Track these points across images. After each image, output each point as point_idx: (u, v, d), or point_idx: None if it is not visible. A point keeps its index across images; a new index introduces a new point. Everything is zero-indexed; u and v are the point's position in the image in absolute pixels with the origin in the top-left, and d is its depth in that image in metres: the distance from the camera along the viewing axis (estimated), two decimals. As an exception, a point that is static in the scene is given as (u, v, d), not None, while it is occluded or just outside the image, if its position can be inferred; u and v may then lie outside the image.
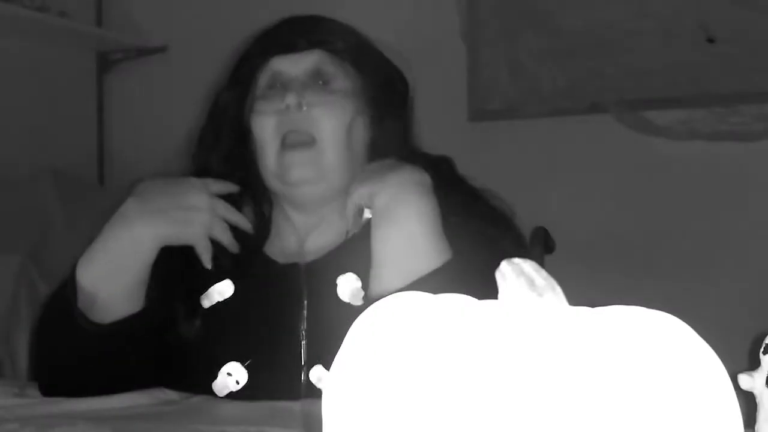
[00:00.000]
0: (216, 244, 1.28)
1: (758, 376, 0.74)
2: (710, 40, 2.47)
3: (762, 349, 0.75)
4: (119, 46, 3.17)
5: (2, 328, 2.09)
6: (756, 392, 0.74)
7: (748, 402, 0.73)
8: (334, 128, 1.26)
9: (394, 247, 1.14)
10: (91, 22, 3.14)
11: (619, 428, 0.41)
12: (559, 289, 0.48)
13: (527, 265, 0.49)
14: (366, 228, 1.22)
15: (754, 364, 0.75)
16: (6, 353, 2.09)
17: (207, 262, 1.24)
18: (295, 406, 1.08)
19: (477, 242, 1.21)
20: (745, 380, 0.74)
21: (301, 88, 1.26)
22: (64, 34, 2.98)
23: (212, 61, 2.23)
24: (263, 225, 1.34)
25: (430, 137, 2.86)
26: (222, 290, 1.27)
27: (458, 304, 0.47)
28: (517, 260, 0.49)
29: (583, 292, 0.72)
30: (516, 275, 0.48)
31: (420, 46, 2.76)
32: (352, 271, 1.23)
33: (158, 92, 3.14)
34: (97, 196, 2.85)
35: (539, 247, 1.83)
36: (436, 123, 2.78)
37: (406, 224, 1.14)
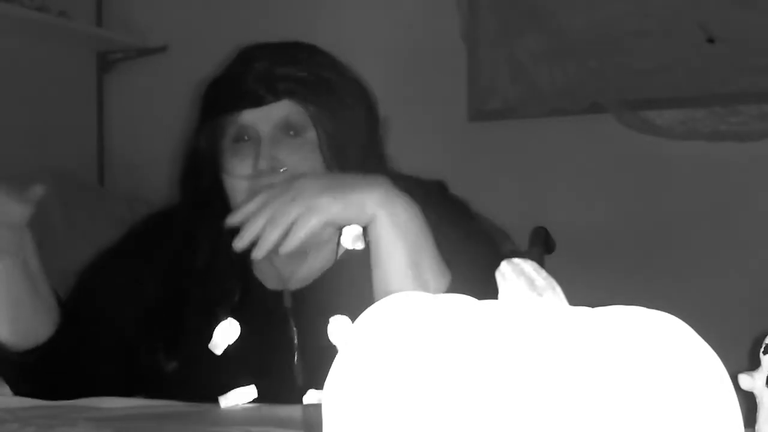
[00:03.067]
0: (220, 277, 1.27)
1: (758, 376, 0.74)
2: (710, 40, 2.47)
3: (762, 349, 0.75)
4: (119, 46, 3.17)
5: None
6: (756, 392, 0.74)
7: (748, 402, 0.73)
8: None
9: (399, 278, 1.11)
10: (91, 22, 3.15)
11: (619, 428, 0.41)
12: (559, 289, 0.48)
13: (527, 265, 0.49)
14: (352, 249, 1.21)
15: (754, 364, 0.75)
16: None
17: None
18: (297, 409, 1.08)
19: (471, 263, 1.19)
20: (746, 380, 0.74)
21: (272, 146, 1.22)
22: (64, 34, 2.98)
23: (212, 61, 2.22)
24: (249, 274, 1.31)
25: (430, 137, 2.87)
26: (226, 333, 1.24)
27: (458, 304, 0.47)
28: (517, 260, 0.49)
29: (583, 292, 0.72)
30: (516, 275, 0.48)
31: (420, 46, 2.77)
32: (341, 294, 1.20)
33: (158, 92, 3.14)
34: (97, 196, 2.85)
35: (539, 247, 1.83)
36: (436, 123, 2.79)
37: (407, 254, 1.11)
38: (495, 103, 2.71)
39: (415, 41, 2.77)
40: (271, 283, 1.30)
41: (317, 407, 0.48)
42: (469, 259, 1.18)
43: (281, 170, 1.21)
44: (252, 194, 1.19)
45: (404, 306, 0.47)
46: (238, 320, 1.24)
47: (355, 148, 1.26)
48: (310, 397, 1.13)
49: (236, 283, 1.28)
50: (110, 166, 3.20)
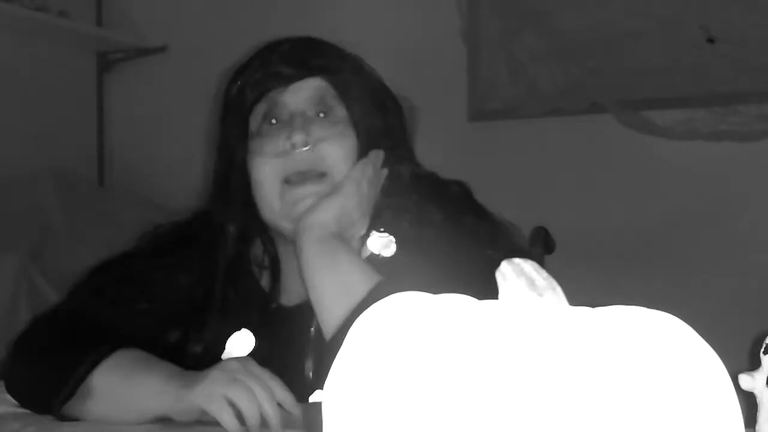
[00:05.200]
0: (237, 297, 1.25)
1: (758, 376, 0.74)
2: (710, 40, 2.47)
3: (762, 349, 0.75)
4: (119, 46, 3.17)
5: (2, 328, 2.09)
6: (756, 392, 0.74)
7: (748, 402, 0.73)
8: (343, 160, 1.20)
9: (328, 291, 1.13)
10: (91, 22, 3.15)
11: (619, 428, 0.41)
12: (559, 289, 0.48)
13: (527, 265, 0.49)
14: (375, 258, 1.21)
15: (754, 364, 0.75)
16: (6, 353, 2.09)
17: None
18: (298, 408, 1.08)
19: (482, 262, 1.19)
20: (746, 380, 0.74)
21: (306, 123, 1.19)
22: (64, 34, 2.98)
23: (212, 61, 2.23)
24: (277, 275, 1.28)
25: (430, 137, 2.86)
26: (241, 343, 1.23)
27: (458, 304, 0.47)
28: (517, 260, 0.49)
29: (583, 292, 0.72)
30: (516, 275, 0.48)
31: (420, 46, 2.77)
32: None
33: (158, 92, 3.14)
34: (97, 196, 2.85)
35: (539, 247, 1.83)
36: (436, 123, 2.79)
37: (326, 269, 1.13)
38: (495, 103, 2.71)
39: (415, 41, 2.77)
40: (285, 300, 1.27)
41: (317, 407, 0.48)
42: (470, 261, 1.18)
43: (308, 147, 1.18)
44: (282, 173, 1.18)
45: (404, 306, 0.47)
46: (259, 328, 1.23)
47: (385, 130, 1.25)
48: (316, 396, 1.13)
49: (261, 293, 1.27)
50: (110, 166, 3.20)
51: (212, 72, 1.58)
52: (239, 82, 1.24)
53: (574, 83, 2.61)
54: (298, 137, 1.17)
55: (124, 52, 3.19)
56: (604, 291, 1.35)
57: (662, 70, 2.52)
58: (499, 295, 0.49)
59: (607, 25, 2.57)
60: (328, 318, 1.12)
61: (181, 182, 2.18)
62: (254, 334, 1.23)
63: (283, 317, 1.25)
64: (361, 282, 1.11)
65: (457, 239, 1.20)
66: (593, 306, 0.48)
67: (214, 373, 1.02)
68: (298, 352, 1.22)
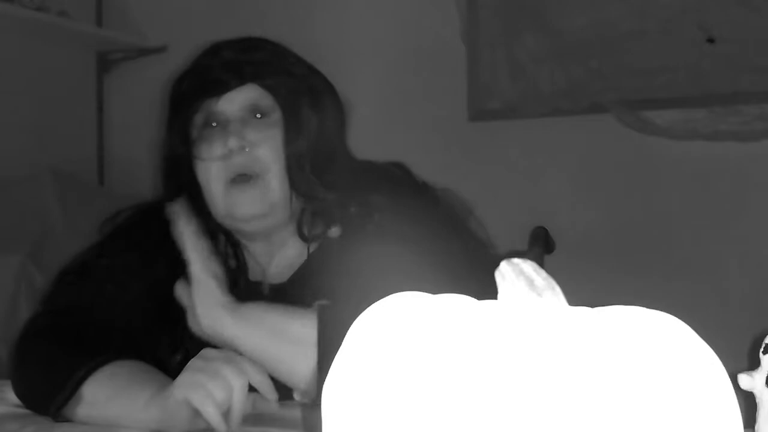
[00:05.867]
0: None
1: (758, 376, 0.74)
2: (710, 40, 2.47)
3: (762, 349, 0.75)
4: (119, 46, 3.17)
5: (2, 328, 2.09)
6: (756, 392, 0.74)
7: (748, 402, 0.73)
8: (276, 162, 1.27)
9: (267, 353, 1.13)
10: (91, 22, 3.15)
11: (619, 428, 0.41)
12: (558, 289, 0.48)
13: (526, 265, 0.49)
14: (328, 243, 1.27)
15: (754, 364, 0.75)
16: (6, 353, 2.09)
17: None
18: (297, 408, 1.08)
19: (428, 244, 1.21)
20: (745, 380, 0.74)
21: (241, 127, 1.26)
22: (64, 34, 2.98)
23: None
24: (240, 257, 1.35)
25: (430, 137, 2.87)
26: None
27: (458, 304, 0.47)
28: (516, 260, 0.49)
29: (583, 292, 0.72)
30: (515, 275, 0.48)
31: (420, 46, 2.77)
32: (316, 288, 1.21)
33: (158, 92, 3.13)
34: (97, 196, 2.85)
35: (539, 247, 1.83)
36: (436, 123, 2.79)
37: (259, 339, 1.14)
38: (495, 103, 2.71)
39: (415, 41, 2.77)
40: (252, 274, 1.34)
41: (318, 408, 0.48)
42: (419, 240, 1.21)
43: (246, 150, 1.25)
44: (225, 176, 1.24)
45: (404, 306, 0.47)
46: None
47: (320, 130, 1.30)
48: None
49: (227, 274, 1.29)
50: (110, 166, 3.20)
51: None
52: (181, 90, 1.31)
53: (574, 83, 2.61)
54: (232, 142, 1.25)
55: (124, 52, 3.19)
56: (604, 291, 1.35)
57: (662, 70, 2.52)
58: (499, 295, 0.49)
59: (607, 25, 2.57)
60: (298, 377, 1.11)
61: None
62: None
63: (257, 291, 1.31)
64: (300, 325, 1.11)
65: (401, 219, 1.24)
66: (593, 306, 0.48)
67: (195, 362, 1.06)
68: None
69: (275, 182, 1.27)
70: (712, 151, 2.47)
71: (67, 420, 1.11)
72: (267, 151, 1.26)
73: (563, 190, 2.62)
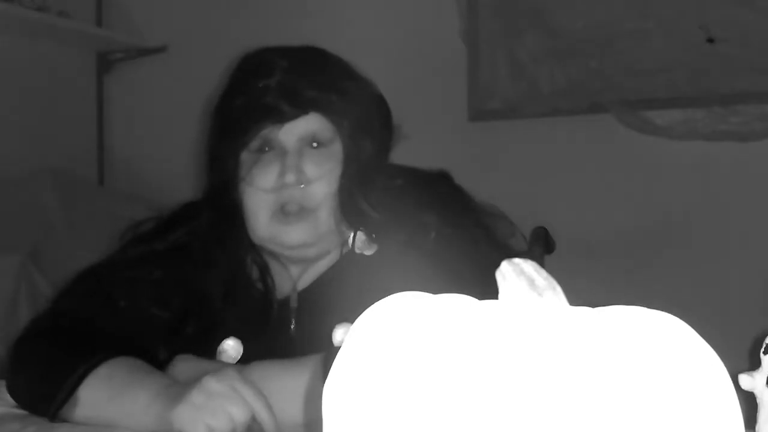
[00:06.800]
0: (238, 299, 1.27)
1: (759, 376, 0.74)
2: (710, 40, 2.47)
3: (762, 349, 0.75)
4: (119, 46, 3.17)
5: (2, 328, 2.09)
6: (756, 392, 0.74)
7: (748, 402, 0.73)
8: (329, 197, 1.23)
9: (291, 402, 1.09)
10: (91, 22, 3.15)
11: (619, 428, 0.41)
12: (559, 289, 0.48)
13: (527, 265, 0.49)
14: (351, 252, 1.25)
15: (754, 364, 0.75)
16: (6, 353, 2.09)
17: None
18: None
19: (466, 254, 1.20)
20: (746, 380, 0.74)
21: (298, 160, 1.22)
22: (64, 34, 2.98)
23: (212, 61, 2.23)
24: (269, 279, 1.31)
25: (430, 137, 2.87)
26: (231, 350, 1.24)
27: (458, 304, 0.47)
28: (517, 260, 0.49)
29: (583, 292, 0.72)
30: (516, 275, 0.48)
31: (420, 46, 2.77)
32: (340, 296, 1.20)
33: (158, 92, 3.14)
34: (97, 196, 2.85)
35: (539, 247, 1.83)
36: (436, 123, 2.79)
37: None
38: (495, 103, 2.71)
39: (415, 41, 2.77)
40: (280, 290, 1.30)
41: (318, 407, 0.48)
42: (470, 259, 1.19)
43: (301, 186, 1.21)
44: (274, 206, 1.21)
45: (404, 306, 0.47)
46: (245, 331, 1.24)
47: (373, 156, 1.27)
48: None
49: (254, 293, 1.28)
50: (110, 165, 3.20)
51: (212, 72, 1.58)
52: (232, 108, 1.25)
53: (574, 83, 2.61)
54: (290, 177, 1.21)
55: (124, 52, 3.19)
56: (604, 291, 1.35)
57: (662, 70, 2.52)
58: (499, 295, 0.49)
59: (607, 25, 2.57)
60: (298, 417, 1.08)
61: (180, 182, 2.18)
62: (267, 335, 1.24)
63: (285, 310, 1.28)
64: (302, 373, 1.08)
65: (454, 240, 1.22)
66: (593, 306, 0.48)
67: (196, 397, 1.01)
68: (279, 335, 1.25)
69: (325, 214, 1.23)
70: (712, 151, 2.47)
71: (66, 420, 1.10)
72: (323, 187, 1.23)
73: (563, 190, 2.62)
